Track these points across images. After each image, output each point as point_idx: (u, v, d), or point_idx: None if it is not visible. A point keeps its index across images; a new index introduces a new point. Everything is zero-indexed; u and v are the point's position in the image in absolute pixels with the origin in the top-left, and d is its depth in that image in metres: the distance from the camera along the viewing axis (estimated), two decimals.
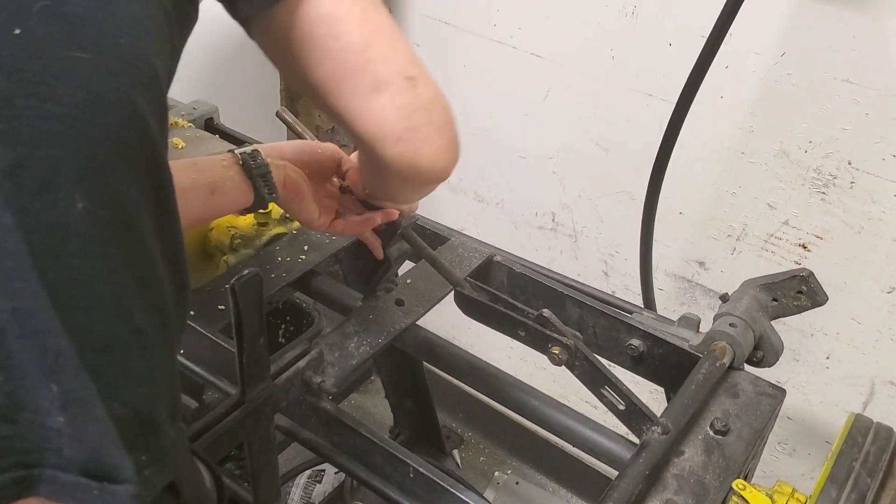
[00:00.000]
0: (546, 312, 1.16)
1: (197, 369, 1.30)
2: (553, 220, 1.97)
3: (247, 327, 1.07)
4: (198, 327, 1.30)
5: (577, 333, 1.17)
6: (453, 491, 1.07)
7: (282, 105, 2.15)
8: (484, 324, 1.25)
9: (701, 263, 1.78)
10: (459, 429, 2.34)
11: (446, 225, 1.65)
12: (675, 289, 1.84)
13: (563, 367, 1.17)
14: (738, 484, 1.08)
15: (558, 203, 1.94)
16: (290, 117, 1.30)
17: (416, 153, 0.78)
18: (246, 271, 1.04)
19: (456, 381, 2.35)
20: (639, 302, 1.68)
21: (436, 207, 2.16)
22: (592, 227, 1.91)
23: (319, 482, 2.18)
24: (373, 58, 0.74)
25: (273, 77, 2.13)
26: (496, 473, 2.26)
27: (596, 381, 1.16)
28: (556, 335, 1.15)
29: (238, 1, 0.75)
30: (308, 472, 2.16)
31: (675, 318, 1.37)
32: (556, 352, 1.15)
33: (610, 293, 1.95)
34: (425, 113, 0.77)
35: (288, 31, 0.76)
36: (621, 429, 1.20)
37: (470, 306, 1.26)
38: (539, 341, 1.18)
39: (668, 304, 1.86)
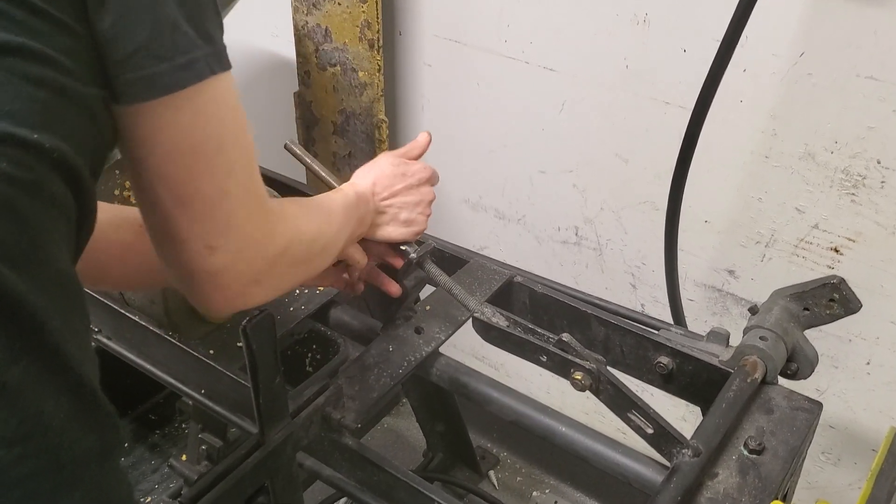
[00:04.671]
0: (566, 337, 1.13)
1: (218, 409, 1.29)
2: (576, 234, 1.94)
3: (262, 368, 1.06)
4: (217, 366, 1.29)
5: (601, 358, 1.14)
6: None
7: (298, 134, 2.15)
8: (504, 349, 1.22)
9: (730, 272, 1.73)
10: (494, 449, 2.30)
11: (468, 245, 1.63)
12: (706, 299, 1.80)
13: (587, 392, 1.14)
14: None
15: (581, 216, 1.91)
16: (298, 150, 1.29)
17: (190, 296, 0.86)
18: (257, 311, 1.03)
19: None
20: (668, 314, 1.65)
21: (457, 226, 2.14)
22: (617, 240, 1.87)
23: None
24: (178, 222, 0.78)
25: (287, 105, 2.13)
26: (534, 493, 2.22)
27: (622, 405, 1.13)
28: (577, 360, 1.12)
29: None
30: (343, 500, 2.14)
31: (707, 329, 1.33)
32: (579, 377, 1.12)
33: (639, 305, 1.93)
34: (208, 277, 0.82)
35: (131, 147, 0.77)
36: (652, 451, 1.16)
37: (489, 333, 1.23)
38: (561, 367, 1.15)
39: (700, 314, 1.81)
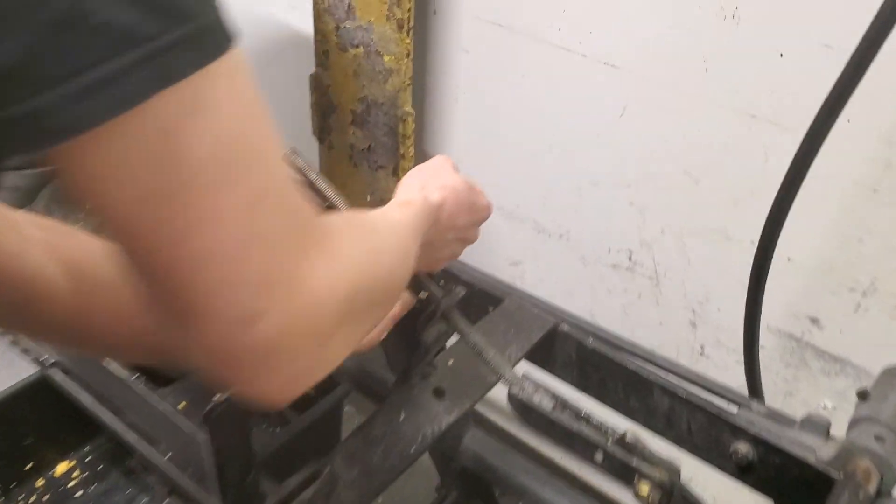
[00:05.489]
0: (631, 437, 0.87)
1: (185, 480, 1.04)
2: (630, 258, 1.66)
3: (229, 467, 0.81)
4: (188, 425, 1.05)
5: (674, 466, 0.87)
6: None
7: (313, 121, 1.89)
8: (545, 436, 0.96)
9: (814, 320, 1.46)
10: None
11: (499, 259, 1.38)
12: (780, 347, 1.52)
13: None
14: None
15: (636, 239, 1.64)
16: (300, 163, 1.02)
17: (237, 386, 0.56)
18: (219, 395, 0.78)
19: (506, 427, 2.07)
20: (734, 362, 1.39)
21: (488, 237, 1.87)
22: (678, 270, 1.60)
23: None
24: (189, 292, 0.50)
25: (302, 88, 1.87)
26: None
27: None
28: (644, 469, 0.86)
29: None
30: None
31: (777, 384, 1.06)
32: (645, 490, 0.86)
33: (698, 347, 1.65)
34: (258, 356, 0.53)
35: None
36: None
37: (527, 413, 0.97)
38: (621, 471, 0.89)
39: (771, 364, 1.54)
